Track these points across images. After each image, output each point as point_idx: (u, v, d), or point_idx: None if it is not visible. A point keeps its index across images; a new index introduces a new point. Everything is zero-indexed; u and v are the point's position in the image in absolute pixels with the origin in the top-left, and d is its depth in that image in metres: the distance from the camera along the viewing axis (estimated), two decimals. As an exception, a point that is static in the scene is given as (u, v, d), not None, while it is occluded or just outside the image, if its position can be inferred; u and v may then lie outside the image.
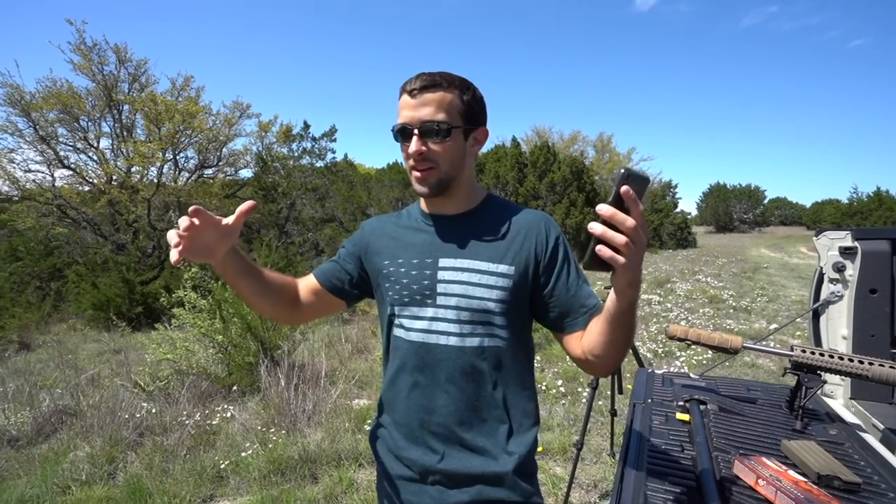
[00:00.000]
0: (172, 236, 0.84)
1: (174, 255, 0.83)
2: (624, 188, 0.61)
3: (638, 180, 0.62)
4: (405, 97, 0.93)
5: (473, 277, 0.94)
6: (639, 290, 0.73)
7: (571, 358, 0.98)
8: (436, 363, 0.95)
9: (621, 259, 0.63)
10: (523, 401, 0.98)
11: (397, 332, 1.01)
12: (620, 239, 0.62)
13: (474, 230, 1.00)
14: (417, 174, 0.95)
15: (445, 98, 0.92)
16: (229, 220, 0.91)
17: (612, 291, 0.76)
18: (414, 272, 0.99)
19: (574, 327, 0.95)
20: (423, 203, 1.06)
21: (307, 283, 1.13)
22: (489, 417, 0.95)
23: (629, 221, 0.62)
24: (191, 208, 0.84)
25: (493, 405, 0.96)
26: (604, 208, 0.62)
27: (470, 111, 0.95)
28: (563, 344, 0.99)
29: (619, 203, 0.62)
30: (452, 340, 0.94)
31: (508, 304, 0.95)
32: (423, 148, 0.92)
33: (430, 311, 0.96)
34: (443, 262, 0.97)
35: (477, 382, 0.95)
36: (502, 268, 0.95)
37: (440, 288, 0.96)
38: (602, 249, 0.64)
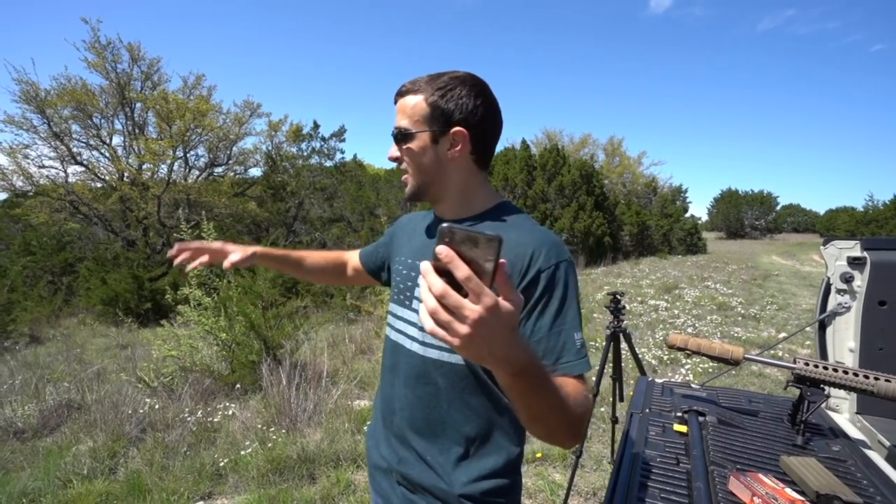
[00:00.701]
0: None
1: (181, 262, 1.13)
2: (440, 247, 0.48)
3: (467, 240, 0.47)
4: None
5: None
6: (508, 374, 0.57)
7: None
8: (400, 365, 0.97)
9: (429, 324, 0.50)
10: (484, 427, 0.90)
11: (387, 329, 1.05)
12: (429, 303, 0.49)
13: None
14: (403, 178, 0.98)
15: (410, 102, 0.91)
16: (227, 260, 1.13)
17: None
18: (405, 272, 1.00)
19: None
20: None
21: (355, 261, 1.27)
22: (441, 434, 0.91)
23: (435, 286, 0.48)
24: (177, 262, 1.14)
25: (447, 424, 0.90)
26: (423, 265, 0.50)
27: (435, 113, 0.88)
28: None
29: (442, 272, 0.49)
30: (415, 347, 0.94)
31: None
32: (396, 154, 0.95)
33: (406, 313, 0.98)
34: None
35: (431, 396, 0.91)
36: None
37: (417, 292, 0.95)
38: (421, 308, 0.52)
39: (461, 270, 0.47)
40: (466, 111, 0.89)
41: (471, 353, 0.52)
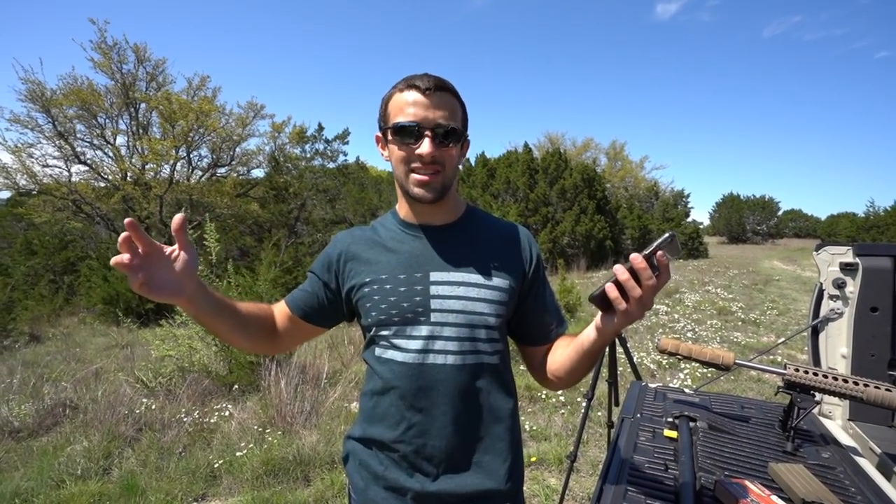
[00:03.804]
0: (120, 259, 0.71)
1: (134, 283, 0.72)
2: (660, 253, 0.66)
3: (675, 249, 0.67)
4: (414, 94, 0.86)
5: (471, 292, 0.91)
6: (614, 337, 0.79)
7: (529, 368, 1.02)
8: (434, 384, 0.90)
9: (624, 305, 0.69)
10: (510, 419, 0.98)
11: (387, 353, 0.93)
12: (637, 291, 0.67)
13: (463, 242, 0.97)
14: (423, 177, 0.88)
15: (455, 103, 0.91)
16: (174, 247, 0.79)
17: (594, 328, 0.80)
18: (403, 288, 0.91)
19: (542, 341, 0.99)
20: (403, 212, 1.00)
21: (282, 310, 1.04)
22: (486, 434, 0.94)
23: (652, 281, 0.66)
24: (126, 221, 0.70)
25: (490, 421, 0.95)
26: (638, 260, 0.66)
27: (466, 120, 0.95)
28: (525, 354, 1.02)
29: (650, 260, 0.67)
30: (451, 359, 0.91)
31: (504, 318, 0.95)
32: (435, 152, 0.87)
33: (425, 330, 0.90)
34: (434, 275, 0.92)
35: (474, 402, 0.93)
36: (497, 280, 0.94)
37: (435, 304, 0.90)
38: (612, 289, 0.69)
39: (668, 275, 0.68)
40: None
41: (630, 323, 0.72)
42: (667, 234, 0.66)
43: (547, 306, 1.00)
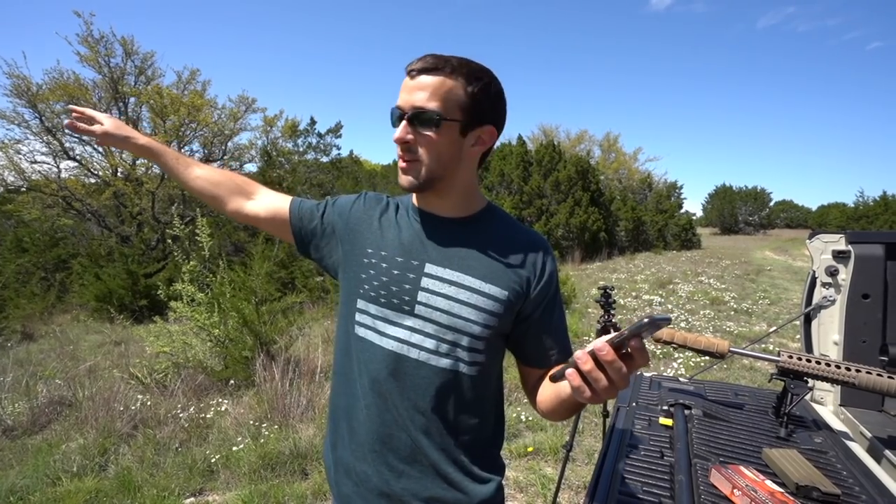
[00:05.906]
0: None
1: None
2: (634, 342, 0.56)
3: (656, 325, 0.54)
4: (406, 78, 0.84)
5: (461, 294, 0.86)
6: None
7: (523, 387, 0.99)
8: (405, 377, 0.87)
9: (588, 394, 0.62)
10: (486, 426, 0.94)
11: (366, 333, 0.91)
12: (602, 382, 0.59)
13: (469, 241, 0.91)
14: (402, 164, 0.86)
15: (444, 85, 0.81)
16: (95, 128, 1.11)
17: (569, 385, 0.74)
18: (396, 272, 0.89)
19: (537, 364, 0.94)
20: (415, 196, 0.96)
21: (278, 204, 1.05)
22: (450, 445, 0.89)
23: (624, 370, 0.59)
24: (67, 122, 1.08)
25: (457, 433, 0.89)
26: (605, 351, 0.58)
27: (475, 106, 0.84)
28: (521, 372, 0.98)
29: (620, 347, 0.58)
30: (424, 356, 0.86)
31: (493, 330, 0.88)
32: (409, 137, 0.82)
33: (408, 321, 0.88)
34: (429, 268, 0.88)
35: (442, 407, 0.88)
36: (494, 290, 0.87)
37: (421, 297, 0.87)
38: (573, 377, 0.61)
39: (645, 357, 0.59)
40: (499, 109, 0.89)
41: (606, 400, 0.68)
42: (644, 320, 0.53)
43: (551, 330, 0.93)
